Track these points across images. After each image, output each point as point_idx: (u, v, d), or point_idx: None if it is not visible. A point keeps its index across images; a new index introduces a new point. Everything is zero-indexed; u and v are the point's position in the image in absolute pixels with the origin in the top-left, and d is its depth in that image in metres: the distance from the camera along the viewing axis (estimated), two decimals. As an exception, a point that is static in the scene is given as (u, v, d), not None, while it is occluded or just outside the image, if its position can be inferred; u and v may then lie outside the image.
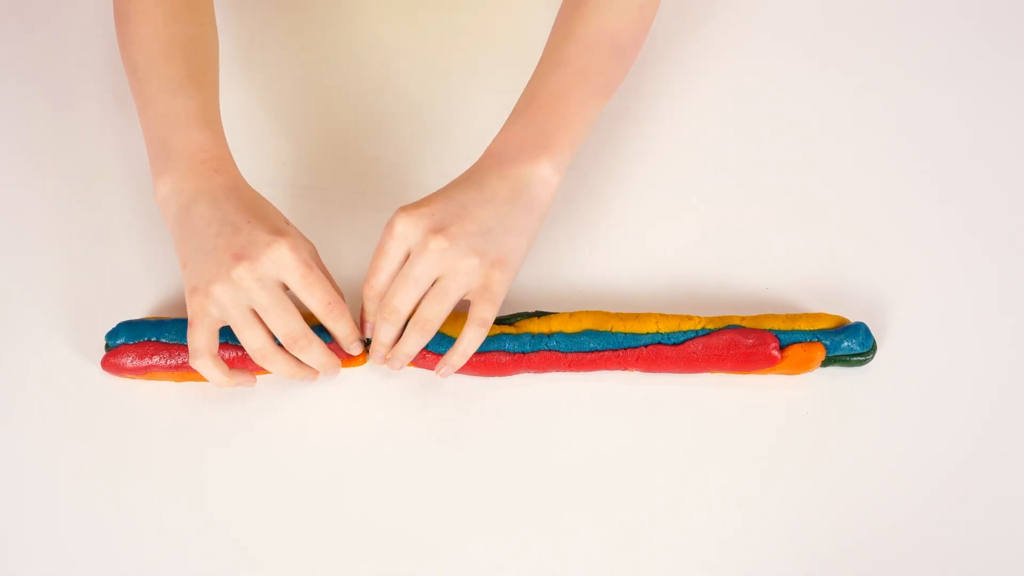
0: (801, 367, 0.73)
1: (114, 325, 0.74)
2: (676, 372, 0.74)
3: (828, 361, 0.73)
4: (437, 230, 0.65)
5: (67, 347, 0.76)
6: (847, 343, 0.73)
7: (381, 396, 0.74)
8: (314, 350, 0.67)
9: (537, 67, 0.72)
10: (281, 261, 0.64)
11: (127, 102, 0.85)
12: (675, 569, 0.69)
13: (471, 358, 0.71)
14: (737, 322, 0.73)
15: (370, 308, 0.69)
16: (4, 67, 0.87)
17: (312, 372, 0.69)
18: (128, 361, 0.72)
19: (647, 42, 0.77)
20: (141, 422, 0.73)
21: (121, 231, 0.81)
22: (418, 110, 0.85)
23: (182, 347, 0.72)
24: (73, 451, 0.72)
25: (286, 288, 0.66)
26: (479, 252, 0.65)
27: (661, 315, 0.73)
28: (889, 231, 0.81)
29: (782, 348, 0.72)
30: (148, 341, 0.73)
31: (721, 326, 0.73)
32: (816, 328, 0.73)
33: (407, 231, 0.65)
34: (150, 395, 0.74)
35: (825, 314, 0.74)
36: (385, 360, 0.70)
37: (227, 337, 0.71)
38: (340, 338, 0.68)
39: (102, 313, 0.76)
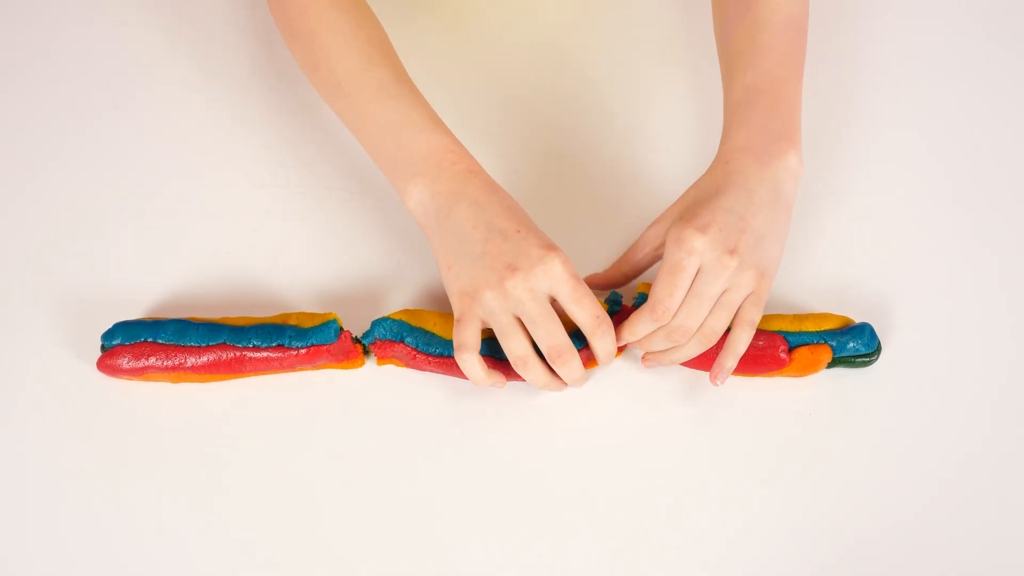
0: (807, 369, 0.73)
1: (110, 326, 0.73)
2: (686, 366, 0.74)
3: (833, 362, 0.73)
4: (731, 250, 0.65)
5: (63, 348, 0.76)
6: (852, 344, 0.72)
7: (379, 397, 0.74)
8: (574, 365, 0.67)
9: (731, 60, 0.73)
10: (553, 274, 0.65)
11: (124, 100, 0.86)
12: (678, 571, 0.69)
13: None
14: None
15: (643, 328, 0.68)
16: (-1, 66, 0.87)
17: (562, 384, 0.70)
18: (124, 362, 0.72)
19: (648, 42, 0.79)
20: (137, 424, 0.73)
21: (118, 231, 0.81)
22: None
23: (179, 348, 0.71)
24: (69, 453, 0.72)
25: (553, 301, 0.67)
26: (758, 266, 0.67)
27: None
28: (894, 230, 0.81)
29: (790, 350, 0.72)
30: (144, 342, 0.72)
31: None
32: (823, 329, 0.73)
33: (704, 251, 0.66)
34: (146, 396, 0.74)
35: (831, 314, 0.74)
36: (644, 360, 0.71)
37: (226, 338, 0.71)
38: (602, 354, 0.69)
39: (98, 313, 0.76)
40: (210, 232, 0.81)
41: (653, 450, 0.72)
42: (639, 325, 0.68)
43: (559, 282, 0.65)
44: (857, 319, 0.75)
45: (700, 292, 0.66)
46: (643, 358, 0.72)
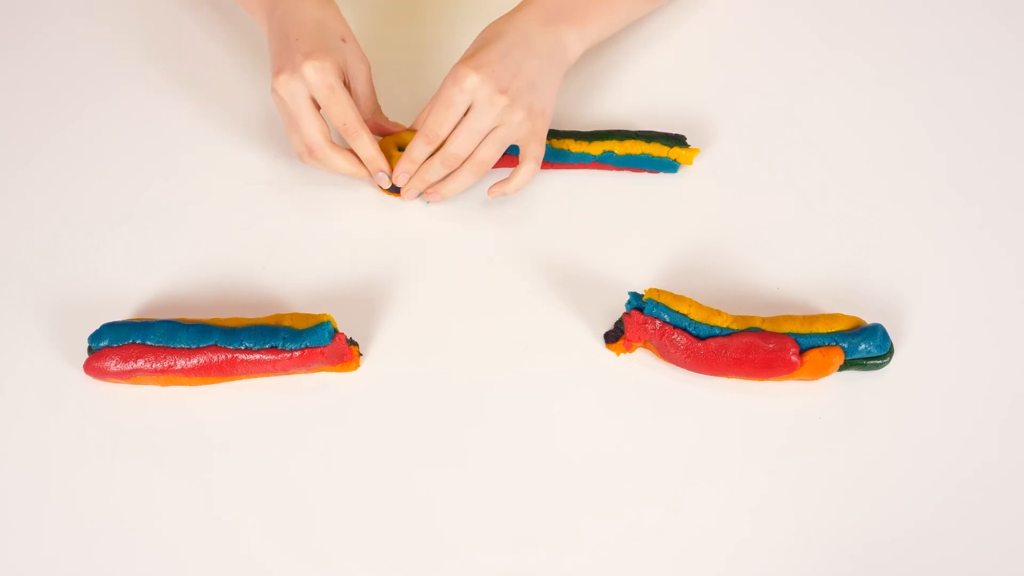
0: (819, 372, 0.72)
1: (97, 327, 0.72)
2: (691, 370, 0.73)
3: (845, 365, 0.72)
4: (502, 90, 0.74)
5: (49, 350, 0.75)
6: (864, 346, 0.72)
7: (373, 400, 0.73)
8: (335, 159, 0.76)
9: None
10: (309, 79, 0.73)
11: (111, 97, 0.87)
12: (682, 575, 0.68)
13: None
14: (758, 324, 0.72)
15: (419, 152, 0.76)
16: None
17: (361, 169, 0.77)
18: (112, 365, 0.71)
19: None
20: (126, 429, 0.72)
21: (105, 229, 0.80)
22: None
23: (168, 350, 0.71)
24: (55, 459, 0.71)
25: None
26: (529, 107, 0.76)
27: (695, 301, 0.73)
28: (906, 228, 0.81)
29: (800, 353, 0.71)
30: (133, 344, 0.71)
31: (744, 327, 0.72)
32: (834, 330, 0.72)
33: (476, 88, 0.74)
34: (135, 400, 0.73)
35: (842, 315, 0.73)
36: (428, 195, 0.79)
37: (217, 340, 0.71)
38: (364, 158, 0.76)
39: (85, 314, 0.75)
40: (201, 230, 0.80)
41: (658, 453, 0.71)
42: (416, 150, 0.76)
43: (313, 87, 0.73)
44: (869, 320, 0.75)
45: (470, 125, 0.75)
46: (427, 194, 0.79)
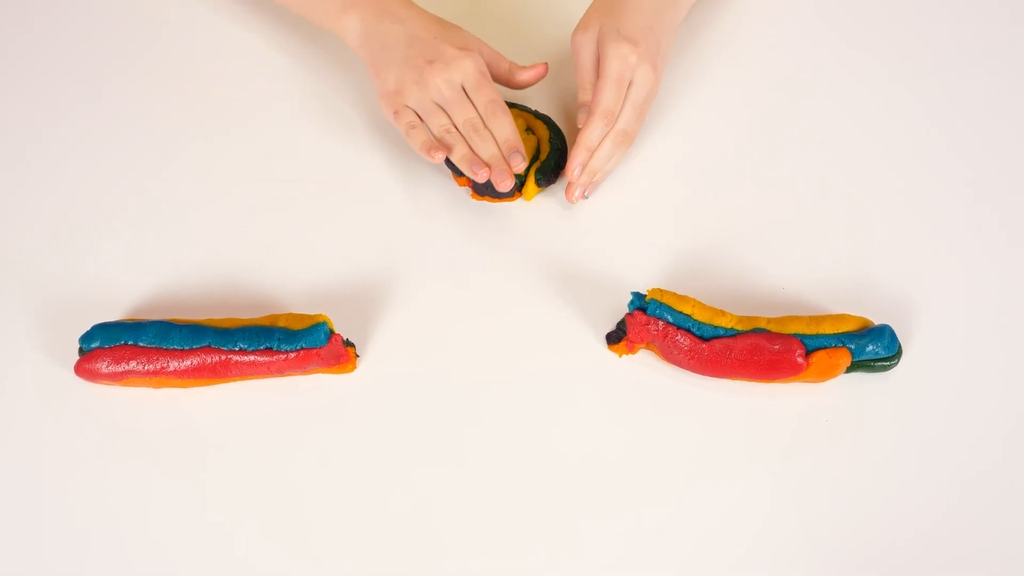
0: (825, 374, 0.71)
1: (88, 327, 0.72)
2: (694, 372, 0.72)
3: (852, 367, 0.72)
4: (653, 65, 0.78)
5: (39, 351, 0.74)
6: (872, 347, 0.71)
7: (374, 400, 0.73)
8: (485, 136, 0.78)
9: None
10: (464, 69, 0.78)
11: (104, 93, 0.86)
12: (687, 579, 0.68)
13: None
14: (763, 324, 0.72)
15: (597, 135, 0.78)
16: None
17: (484, 166, 0.77)
18: (103, 366, 0.70)
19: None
20: (118, 432, 0.71)
21: (97, 228, 0.80)
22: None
23: (161, 351, 0.70)
24: (46, 462, 0.71)
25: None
26: (659, 71, 0.79)
27: (699, 301, 0.73)
28: (914, 227, 0.80)
29: (807, 354, 0.71)
30: (125, 345, 0.70)
31: (749, 328, 0.71)
32: (841, 331, 0.71)
33: (637, 64, 0.77)
34: (127, 402, 0.72)
35: (849, 316, 0.73)
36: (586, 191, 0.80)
37: (210, 340, 0.70)
38: (501, 140, 0.78)
39: (76, 315, 0.74)
40: (194, 229, 0.80)
41: (660, 456, 0.71)
42: (594, 132, 0.78)
43: (468, 75, 0.78)
44: (876, 321, 0.74)
45: (635, 100, 0.78)
46: (575, 193, 0.79)
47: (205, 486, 0.70)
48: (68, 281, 0.77)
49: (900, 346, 0.72)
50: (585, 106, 0.79)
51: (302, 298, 0.77)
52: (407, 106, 0.79)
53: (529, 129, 0.82)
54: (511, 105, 0.82)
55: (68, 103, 0.86)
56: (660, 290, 0.73)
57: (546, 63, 0.84)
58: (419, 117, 0.79)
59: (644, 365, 0.74)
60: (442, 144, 0.78)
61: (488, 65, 0.81)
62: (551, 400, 0.73)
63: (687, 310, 0.72)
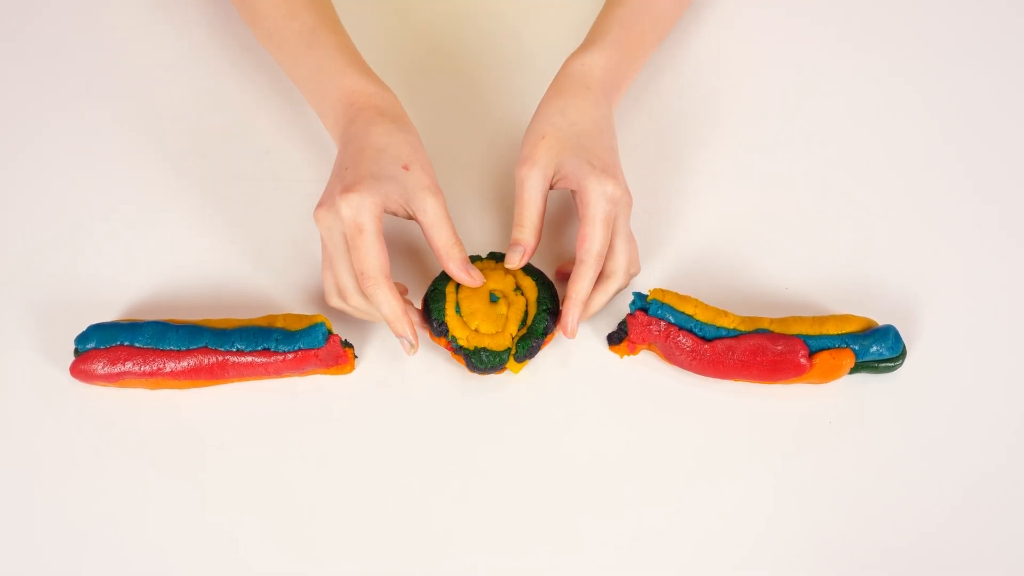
0: (829, 376, 0.71)
1: (84, 328, 0.71)
2: (696, 373, 0.72)
3: (856, 367, 0.71)
4: (627, 191, 0.72)
5: (33, 352, 0.74)
6: (876, 348, 0.71)
7: (372, 401, 0.73)
8: (379, 294, 0.68)
9: (606, 3, 0.81)
10: (342, 219, 0.68)
11: (97, 90, 0.86)
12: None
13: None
14: (766, 325, 0.72)
15: (588, 286, 0.71)
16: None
17: (375, 315, 0.71)
18: (99, 368, 0.70)
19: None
20: (114, 434, 0.71)
21: (91, 227, 0.79)
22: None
23: (157, 352, 0.70)
24: (41, 465, 0.70)
25: None
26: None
27: (701, 301, 0.72)
28: (919, 226, 0.80)
29: (810, 355, 0.70)
30: (121, 346, 0.70)
31: (752, 328, 0.71)
32: (844, 332, 0.71)
33: (619, 199, 0.71)
34: (123, 404, 0.72)
35: (853, 316, 0.72)
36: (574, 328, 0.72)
37: (208, 341, 0.70)
38: (383, 316, 0.69)
39: (71, 315, 0.74)
40: (190, 228, 0.80)
41: (662, 458, 0.71)
42: (585, 281, 0.71)
43: (347, 227, 0.68)
44: (880, 321, 0.74)
45: (624, 235, 0.73)
46: (570, 330, 0.71)
47: (203, 487, 0.69)
48: (63, 281, 0.77)
49: (904, 347, 0.72)
50: (519, 245, 0.71)
51: (299, 298, 0.76)
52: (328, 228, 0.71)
53: (517, 288, 0.73)
54: (500, 257, 0.74)
55: (65, 99, 0.85)
56: (662, 290, 0.72)
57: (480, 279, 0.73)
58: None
59: (645, 366, 0.74)
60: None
61: (423, 221, 0.70)
62: (552, 401, 0.72)
63: (689, 310, 0.71)
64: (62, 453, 0.70)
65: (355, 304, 0.70)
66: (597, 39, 0.76)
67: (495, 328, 0.71)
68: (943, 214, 0.80)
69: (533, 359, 0.73)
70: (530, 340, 0.71)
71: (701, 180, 0.82)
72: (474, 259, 0.74)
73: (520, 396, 0.72)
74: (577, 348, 0.74)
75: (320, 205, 0.69)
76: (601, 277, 0.72)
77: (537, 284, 0.73)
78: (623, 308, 0.75)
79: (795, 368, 0.70)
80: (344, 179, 0.69)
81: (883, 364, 0.71)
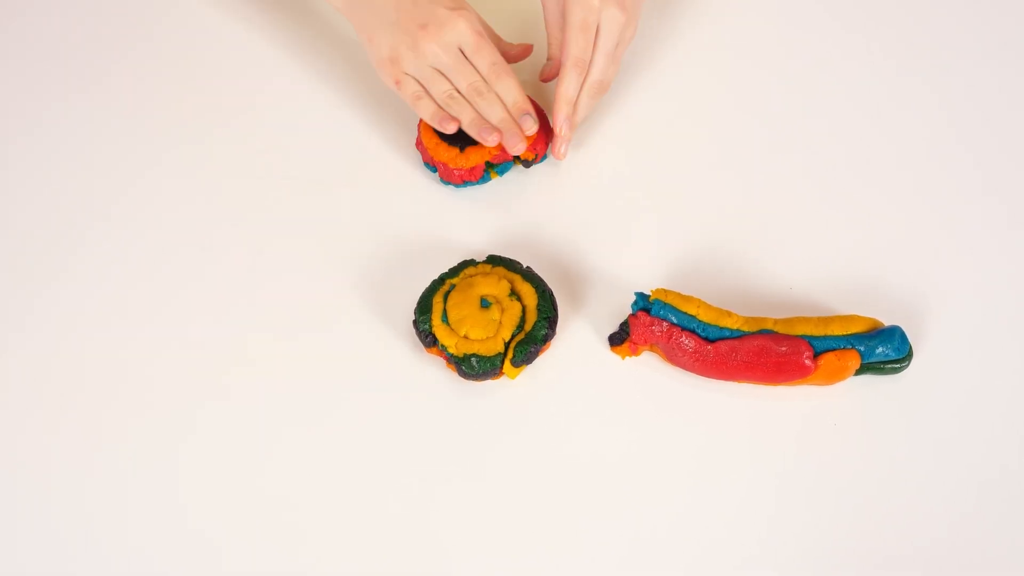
0: (834, 377, 0.71)
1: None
2: (699, 375, 0.72)
3: (861, 369, 0.71)
4: (621, 5, 0.77)
5: None
6: (881, 349, 0.70)
7: (370, 401, 0.73)
8: (491, 99, 0.77)
9: None
10: (459, 30, 0.76)
11: (92, 88, 0.86)
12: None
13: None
14: (770, 326, 0.71)
15: (574, 87, 0.78)
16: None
17: (493, 130, 0.77)
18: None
19: (663, 28, 0.86)
20: (107, 434, 0.71)
21: (86, 225, 0.78)
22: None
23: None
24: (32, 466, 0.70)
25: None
26: (637, 18, 0.79)
27: (704, 302, 0.72)
28: (926, 226, 0.80)
29: (815, 356, 0.70)
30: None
31: (756, 329, 0.71)
32: (850, 332, 0.71)
33: (602, 7, 0.76)
34: (120, 406, 0.72)
35: (858, 316, 0.72)
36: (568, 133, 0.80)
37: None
38: (509, 103, 0.77)
39: None
40: (186, 227, 0.80)
41: (667, 459, 0.70)
42: (571, 84, 0.78)
43: (464, 36, 0.76)
44: (886, 322, 0.73)
45: (605, 48, 0.78)
46: (561, 149, 0.80)
47: (196, 490, 0.69)
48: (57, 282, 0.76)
49: (911, 348, 0.71)
50: (553, 60, 0.80)
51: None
52: (407, 74, 0.77)
53: (514, 293, 0.73)
54: (497, 261, 0.75)
55: (58, 95, 0.86)
56: (664, 290, 0.72)
57: (532, 44, 0.84)
58: (421, 85, 0.78)
59: (648, 367, 0.73)
60: (448, 113, 0.77)
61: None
62: (553, 402, 0.72)
63: (692, 311, 0.71)
64: (59, 454, 0.70)
65: (489, 97, 0.77)
66: None
67: (486, 333, 0.71)
68: (951, 213, 0.80)
69: (532, 363, 0.72)
70: (528, 346, 0.71)
71: (705, 179, 0.81)
72: (472, 263, 0.75)
73: (520, 399, 0.72)
74: (578, 348, 0.74)
75: (426, 27, 0.75)
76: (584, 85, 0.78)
77: (537, 292, 0.73)
78: (625, 308, 0.74)
79: (800, 370, 0.69)
80: (438, 4, 0.76)
81: (889, 365, 0.71)
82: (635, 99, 0.85)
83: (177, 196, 0.81)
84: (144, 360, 0.73)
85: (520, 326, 0.71)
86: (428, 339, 0.71)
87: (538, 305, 0.72)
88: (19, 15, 0.90)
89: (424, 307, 0.72)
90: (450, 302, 0.72)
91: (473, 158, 0.78)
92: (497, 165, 0.79)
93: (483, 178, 0.79)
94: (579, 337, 0.74)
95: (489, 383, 0.72)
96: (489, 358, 0.70)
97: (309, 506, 0.69)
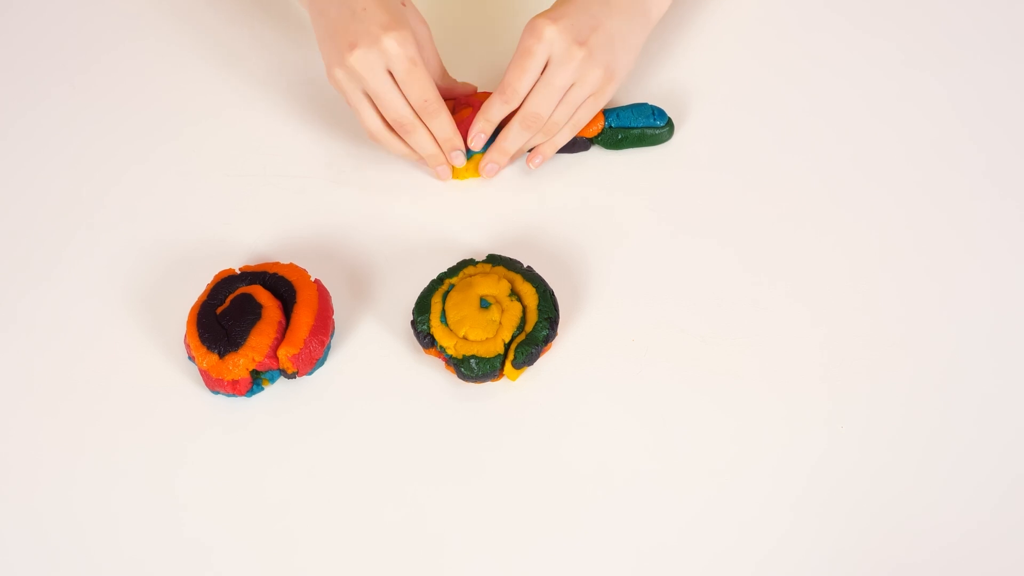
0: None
1: None
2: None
3: (625, 141, 0.80)
4: (581, 42, 0.72)
5: None
6: (633, 115, 0.79)
7: (370, 401, 0.72)
8: (420, 134, 0.75)
9: None
10: (389, 55, 0.71)
11: (87, 86, 0.86)
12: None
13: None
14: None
15: (496, 111, 0.75)
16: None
17: (417, 155, 0.76)
18: None
19: (662, 24, 0.86)
20: (98, 439, 0.71)
21: (78, 224, 0.79)
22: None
23: None
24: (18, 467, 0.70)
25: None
26: (607, 66, 0.74)
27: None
28: (936, 225, 0.79)
29: None
30: None
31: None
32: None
33: (554, 39, 0.72)
34: (112, 412, 0.72)
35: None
36: (529, 159, 0.79)
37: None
38: (440, 139, 0.75)
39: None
40: (182, 226, 0.80)
41: (671, 462, 0.69)
42: (493, 109, 0.75)
43: (394, 61, 0.71)
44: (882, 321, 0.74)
45: (549, 81, 0.73)
46: (528, 159, 0.79)
47: (191, 494, 0.69)
48: (34, 283, 0.77)
49: (670, 119, 0.80)
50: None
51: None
52: (348, 91, 0.74)
53: (514, 294, 0.72)
54: (497, 261, 0.73)
55: (51, 91, 0.86)
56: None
57: (475, 86, 0.81)
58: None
59: (655, 370, 0.72)
60: (376, 136, 0.75)
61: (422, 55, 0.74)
62: (555, 405, 0.71)
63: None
64: (52, 457, 0.70)
65: (416, 133, 0.74)
66: None
67: (486, 334, 0.69)
68: (962, 212, 0.79)
69: (534, 365, 0.71)
70: (529, 347, 0.69)
71: (705, 176, 0.81)
72: (471, 262, 0.74)
73: (521, 401, 0.71)
74: (580, 351, 0.73)
75: (355, 47, 0.70)
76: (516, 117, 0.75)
77: (538, 292, 0.71)
78: (630, 308, 0.74)
79: None
80: (375, 19, 0.71)
81: (650, 132, 0.79)
82: (635, 99, 0.84)
83: (170, 194, 0.81)
84: (144, 360, 0.73)
85: (520, 327, 0.70)
86: (426, 340, 0.70)
87: (539, 305, 0.71)
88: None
89: (422, 307, 0.71)
90: (449, 302, 0.70)
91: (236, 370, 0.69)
92: (264, 372, 0.71)
93: (252, 389, 0.71)
94: (581, 338, 0.73)
95: (489, 385, 0.71)
96: (489, 360, 0.69)
97: (306, 509, 0.68)
